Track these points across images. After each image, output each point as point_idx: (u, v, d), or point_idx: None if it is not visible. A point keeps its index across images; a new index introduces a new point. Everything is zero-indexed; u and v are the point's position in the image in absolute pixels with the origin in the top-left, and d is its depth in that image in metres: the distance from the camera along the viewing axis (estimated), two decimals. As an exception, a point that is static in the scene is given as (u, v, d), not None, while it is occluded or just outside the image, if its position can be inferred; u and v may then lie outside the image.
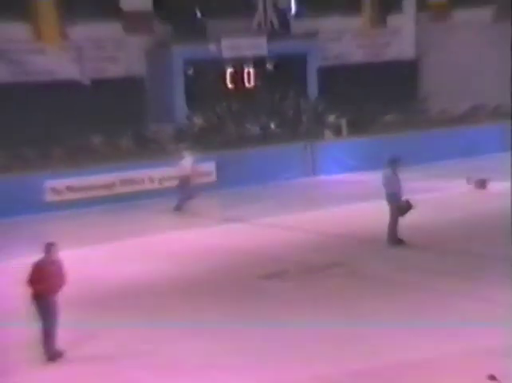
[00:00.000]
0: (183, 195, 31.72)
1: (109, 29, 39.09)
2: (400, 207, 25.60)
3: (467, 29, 46.10)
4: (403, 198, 25.74)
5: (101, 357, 17.09)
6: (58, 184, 33.94)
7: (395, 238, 25.64)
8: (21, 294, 17.92)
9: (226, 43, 40.11)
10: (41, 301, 16.78)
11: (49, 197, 33.61)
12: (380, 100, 42.83)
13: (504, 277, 21.29)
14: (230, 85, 41.48)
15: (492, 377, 14.95)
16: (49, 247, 17.19)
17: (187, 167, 31.80)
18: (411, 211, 25.63)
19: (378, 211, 26.33)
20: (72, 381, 16.08)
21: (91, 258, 25.76)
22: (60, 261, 17.36)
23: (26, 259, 25.00)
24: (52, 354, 16.68)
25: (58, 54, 38.28)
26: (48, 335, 16.74)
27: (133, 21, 39.33)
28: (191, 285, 22.45)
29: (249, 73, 41.69)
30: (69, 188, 34.01)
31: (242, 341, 17.86)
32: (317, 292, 21.46)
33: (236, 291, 21.82)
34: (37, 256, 25.41)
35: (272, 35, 41.37)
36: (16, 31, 36.99)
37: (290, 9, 42.91)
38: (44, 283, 16.75)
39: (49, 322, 16.76)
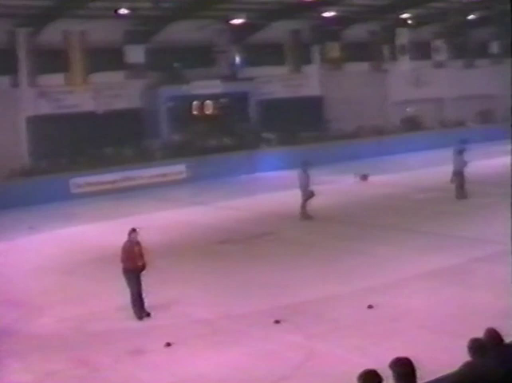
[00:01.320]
0: None
1: (116, 76, 38.70)
2: (308, 195, 25.53)
3: (353, 76, 46.20)
4: (310, 188, 25.62)
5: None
6: (79, 181, 33.87)
7: (305, 215, 25.49)
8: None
9: (194, 84, 39.67)
10: (128, 275, 15.38)
11: (73, 190, 33.41)
12: (297, 122, 42.72)
13: (381, 239, 21.40)
14: (197, 113, 40.97)
15: (370, 307, 14.96)
16: (132, 232, 15.55)
17: None
18: (315, 197, 25.52)
19: (294, 197, 25.99)
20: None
21: (102, 231, 25.59)
22: (140, 243, 15.63)
23: (61, 230, 25.55)
24: (140, 315, 15.27)
25: (82, 94, 37.74)
26: (135, 301, 15.35)
27: (132, 70, 38.98)
28: (169, 248, 22.22)
29: (209, 105, 41.27)
30: (87, 184, 33.85)
31: (205, 285, 17.67)
32: (254, 252, 21.27)
33: (200, 252, 21.52)
34: (66, 228, 25.74)
35: (225, 79, 41.03)
36: (55, 79, 36.76)
37: (236, 61, 42.55)
38: (130, 261, 15.29)
39: (135, 291, 15.36)
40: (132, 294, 15.38)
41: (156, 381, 12.35)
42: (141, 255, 15.49)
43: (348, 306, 15.19)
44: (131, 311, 15.38)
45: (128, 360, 13.05)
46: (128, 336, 14.28)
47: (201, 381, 12.14)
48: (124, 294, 15.67)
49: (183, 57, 40.01)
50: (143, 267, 15.45)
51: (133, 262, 15.32)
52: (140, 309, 15.34)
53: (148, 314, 15.34)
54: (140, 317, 15.24)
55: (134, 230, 15.63)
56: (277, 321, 14.34)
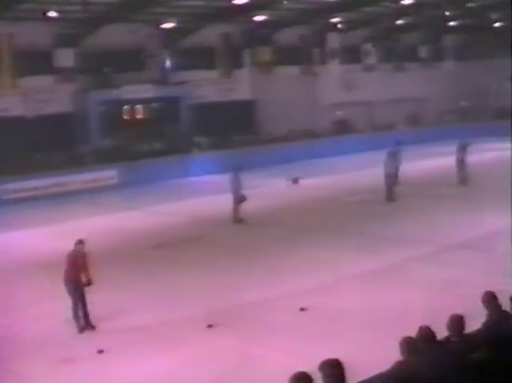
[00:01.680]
0: None
1: (46, 80, 38.30)
2: (239, 198, 25.49)
3: (284, 80, 46.44)
4: (242, 192, 25.59)
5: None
6: (8, 187, 33.10)
7: (237, 218, 25.47)
8: None
9: (125, 89, 39.38)
10: (70, 287, 14.74)
11: (3, 196, 32.57)
12: (229, 126, 42.78)
13: (313, 241, 21.49)
14: (128, 117, 40.70)
15: (303, 309, 15.01)
16: (78, 243, 14.89)
17: None
18: (247, 200, 25.43)
19: (226, 201, 25.93)
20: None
21: (35, 237, 25.23)
22: (86, 255, 14.93)
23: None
24: (81, 328, 14.67)
25: (11, 98, 37.13)
26: (76, 313, 14.74)
27: (62, 74, 38.51)
28: (102, 254, 21.45)
29: (141, 109, 41.06)
30: (17, 190, 33.12)
31: (138, 290, 17.48)
32: (187, 256, 21.10)
33: (132, 257, 21.29)
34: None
35: (156, 83, 40.80)
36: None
37: (167, 65, 42.38)
38: (73, 273, 14.65)
39: (76, 304, 14.74)
40: (73, 307, 14.85)
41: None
42: (86, 268, 14.86)
43: (281, 309, 15.19)
44: (64, 319, 15.11)
45: (58, 368, 12.80)
46: (60, 344, 14.03)
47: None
48: (60, 302, 15.42)
49: (114, 61, 39.66)
50: (88, 282, 14.86)
51: (76, 275, 14.78)
52: (85, 322, 14.82)
53: (93, 327, 14.80)
54: (82, 330, 14.72)
55: (81, 241, 14.98)
56: (210, 326, 14.28)
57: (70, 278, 14.82)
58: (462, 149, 30.92)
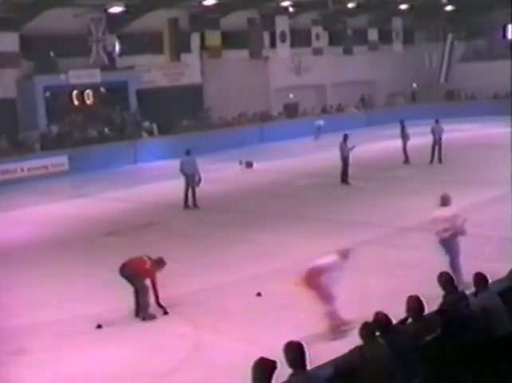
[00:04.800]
0: None
1: (-11, 65, 37.44)
2: (197, 181, 25.42)
3: (233, 63, 46.31)
4: (197, 177, 25.46)
5: None
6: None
7: (187, 205, 25.40)
8: None
9: (72, 74, 38.86)
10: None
11: None
12: (178, 111, 42.53)
13: (268, 226, 21.52)
14: (75, 103, 40.22)
15: (258, 294, 15.00)
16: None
17: None
18: (202, 185, 25.41)
19: (177, 186, 25.88)
20: None
21: None
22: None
23: None
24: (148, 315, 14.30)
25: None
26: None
27: (5, 59, 37.70)
28: (52, 242, 21.65)
29: (88, 94, 40.54)
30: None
31: (90, 278, 17.26)
32: (141, 243, 20.71)
33: (84, 245, 21.00)
34: None
35: (103, 68, 40.37)
36: None
37: (114, 50, 41.98)
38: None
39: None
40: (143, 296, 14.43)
41: (39, 380, 12.02)
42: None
43: (236, 295, 15.19)
44: (12, 310, 14.89)
45: (10, 360, 12.61)
46: (10, 336, 13.77)
47: (86, 378, 11.91)
48: (10, 292, 15.16)
49: (59, 46, 39.05)
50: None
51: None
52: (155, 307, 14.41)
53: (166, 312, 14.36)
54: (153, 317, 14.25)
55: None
56: (165, 313, 14.23)
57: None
58: (439, 130, 31.76)
